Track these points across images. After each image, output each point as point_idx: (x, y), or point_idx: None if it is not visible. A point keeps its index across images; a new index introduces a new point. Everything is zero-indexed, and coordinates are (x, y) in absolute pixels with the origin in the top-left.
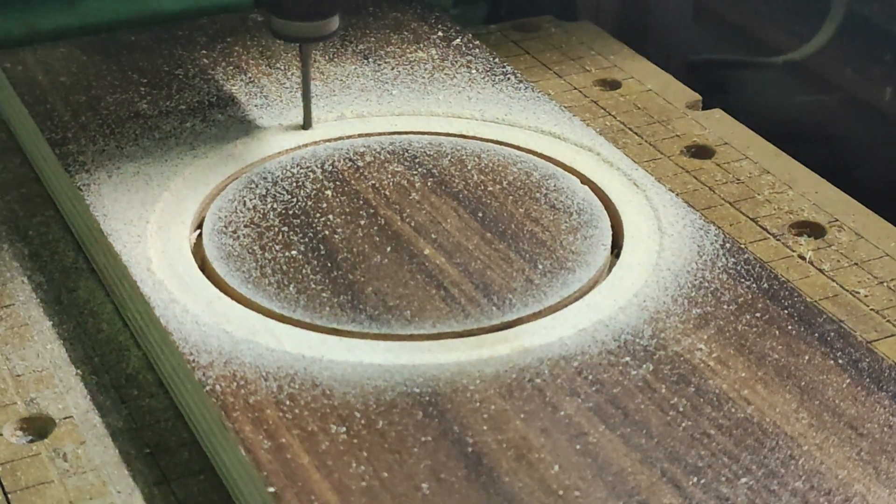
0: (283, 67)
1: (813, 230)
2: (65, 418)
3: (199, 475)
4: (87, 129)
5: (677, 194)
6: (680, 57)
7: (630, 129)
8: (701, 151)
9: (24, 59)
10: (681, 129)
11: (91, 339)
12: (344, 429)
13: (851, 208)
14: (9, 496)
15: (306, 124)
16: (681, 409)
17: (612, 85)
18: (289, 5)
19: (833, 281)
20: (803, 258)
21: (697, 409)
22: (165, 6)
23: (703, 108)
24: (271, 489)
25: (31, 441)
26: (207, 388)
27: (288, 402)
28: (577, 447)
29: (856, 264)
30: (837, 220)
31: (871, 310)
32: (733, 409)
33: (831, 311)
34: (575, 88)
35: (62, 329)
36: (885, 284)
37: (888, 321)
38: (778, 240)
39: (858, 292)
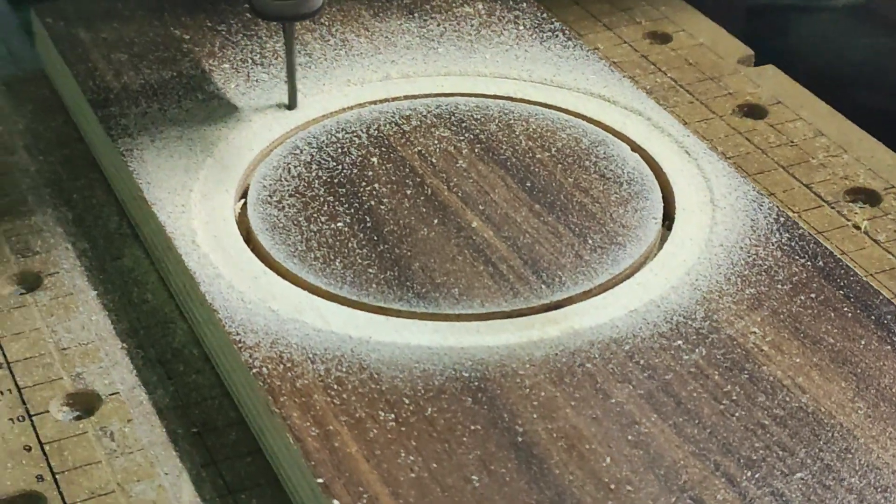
0: (326, 23)
1: (868, 197)
2: (111, 394)
3: (246, 457)
4: (129, 89)
5: (729, 157)
6: (735, 3)
7: (681, 86)
8: (754, 111)
9: (65, 12)
10: (733, 86)
11: (136, 310)
12: (392, 416)
13: None
14: (56, 477)
15: (291, 104)
16: (734, 398)
17: (663, 38)
18: None
19: (889, 253)
20: (858, 228)
21: (751, 397)
22: None
23: (757, 62)
24: (320, 480)
25: (78, 418)
26: (254, 370)
27: (336, 387)
28: (629, 438)
29: None
30: (893, 187)
31: None
32: (787, 398)
33: (888, 285)
34: (625, 42)
35: (107, 299)
36: None
37: None
38: (833, 208)
39: None
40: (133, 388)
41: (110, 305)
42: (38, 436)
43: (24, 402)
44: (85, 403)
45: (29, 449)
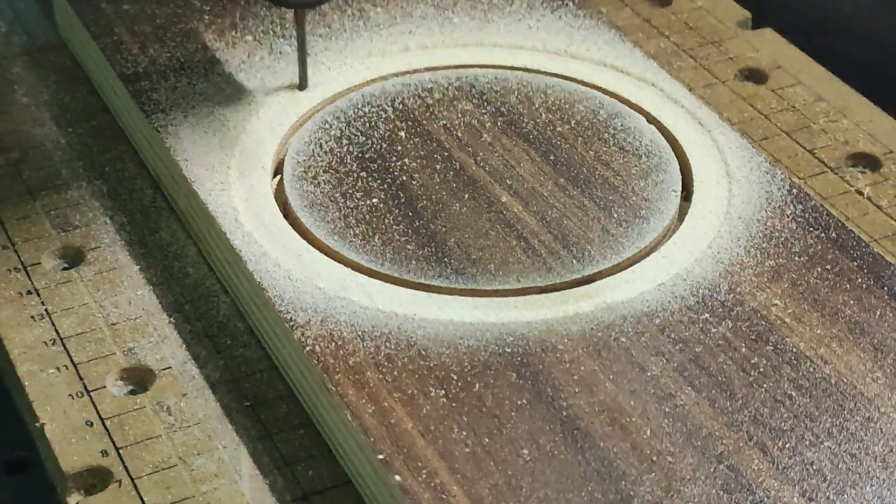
0: None
1: (869, 162)
2: (164, 369)
3: (298, 429)
4: (156, 63)
5: (735, 124)
6: None
7: (684, 50)
8: (755, 75)
9: None
10: (733, 50)
11: (179, 284)
12: (443, 391)
13: None
14: (120, 451)
15: (302, 86)
16: (761, 370)
17: (663, 1)
18: None
19: (892, 219)
20: (861, 193)
21: (777, 368)
22: None
23: (754, 25)
24: (380, 456)
25: (132, 392)
26: (308, 349)
27: (387, 364)
28: (666, 410)
29: None
30: (892, 152)
31: None
32: (811, 369)
33: (892, 250)
34: (626, 5)
35: (150, 274)
36: None
37: None
38: (836, 173)
39: None
40: (184, 363)
41: (154, 280)
42: (98, 411)
43: (80, 378)
44: (139, 378)
45: (91, 424)
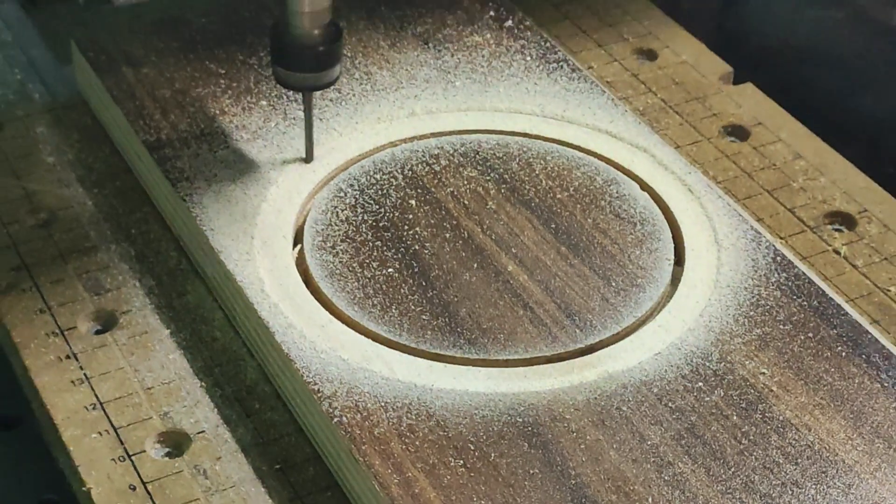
0: (349, 54)
1: (844, 220)
2: (198, 433)
3: (326, 491)
4: (177, 129)
5: (719, 182)
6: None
7: (670, 106)
8: (737, 132)
9: (103, 44)
10: (717, 106)
11: (207, 348)
12: (461, 461)
13: (878, 197)
14: None
15: (308, 160)
16: (751, 438)
17: (650, 55)
18: (291, 57)
19: (867, 278)
20: (838, 253)
21: (766, 436)
22: None
23: (735, 80)
24: None
25: (168, 454)
26: (335, 419)
27: (409, 434)
28: (666, 478)
29: (885, 259)
30: (867, 211)
31: None
32: (797, 437)
33: (867, 310)
34: (615, 60)
35: (179, 338)
36: None
37: None
38: (814, 232)
39: (890, 290)
40: (217, 427)
41: (183, 344)
42: (139, 475)
43: (122, 443)
44: (175, 442)
45: (134, 488)
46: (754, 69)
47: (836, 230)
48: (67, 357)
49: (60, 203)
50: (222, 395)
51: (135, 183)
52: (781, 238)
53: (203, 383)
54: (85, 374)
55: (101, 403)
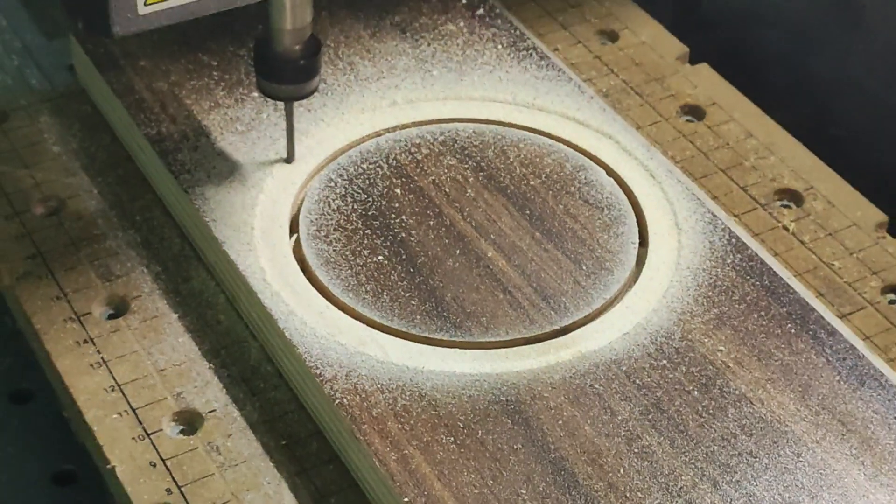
0: (332, 45)
1: (793, 197)
2: (210, 412)
3: (328, 464)
4: (176, 122)
5: (678, 162)
6: None
7: (631, 87)
8: (694, 111)
9: (101, 39)
10: (674, 87)
11: (213, 331)
12: (452, 438)
13: (823, 174)
14: (182, 489)
15: (289, 160)
16: (711, 411)
17: (611, 36)
18: (274, 70)
19: (813, 253)
20: (787, 229)
21: (723, 409)
22: None
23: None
24: (406, 500)
25: (183, 432)
26: (337, 401)
27: (404, 414)
28: (635, 450)
29: (830, 234)
30: (813, 188)
31: (845, 282)
32: (751, 410)
33: (814, 284)
34: (579, 42)
35: (187, 321)
36: (854, 256)
37: (859, 294)
38: (765, 210)
39: (833, 264)
40: (226, 406)
41: (191, 327)
42: (158, 452)
43: (140, 422)
44: (189, 420)
45: (154, 465)
46: (706, 36)
47: (785, 206)
48: (85, 342)
49: (68, 191)
50: (229, 375)
51: (136, 171)
52: (735, 216)
53: (211, 365)
54: (102, 358)
55: (118, 385)
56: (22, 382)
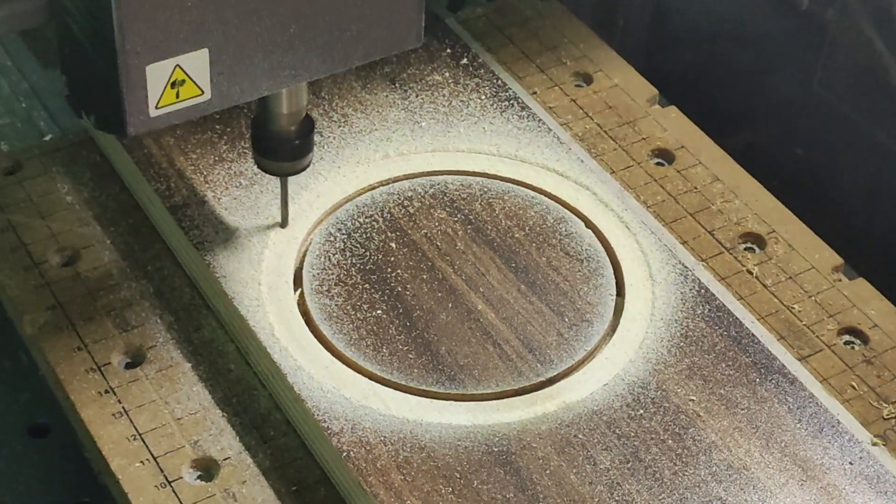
0: (326, 97)
1: (756, 240)
2: (225, 459)
3: None
4: (184, 176)
5: (649, 207)
6: None
7: (605, 131)
8: (664, 154)
9: None
10: (645, 130)
11: (225, 379)
12: (450, 489)
13: (784, 217)
14: None
15: (283, 224)
16: (684, 459)
17: (586, 79)
18: (270, 149)
19: (775, 297)
20: (751, 273)
21: (696, 457)
22: None
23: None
24: None
25: (201, 478)
26: (344, 454)
27: (406, 466)
28: (616, 498)
29: (790, 278)
30: (774, 231)
31: (804, 325)
32: (720, 458)
33: (775, 326)
34: (556, 85)
35: (200, 371)
36: (812, 298)
37: (817, 336)
38: (731, 254)
39: (794, 307)
40: (240, 453)
41: (204, 376)
42: (180, 500)
43: (161, 470)
44: (206, 467)
45: None
46: (672, 54)
47: (749, 250)
48: (106, 392)
49: (82, 242)
50: (241, 423)
51: (145, 219)
52: (703, 260)
53: (224, 413)
54: (123, 408)
55: (140, 434)
56: (39, 416)
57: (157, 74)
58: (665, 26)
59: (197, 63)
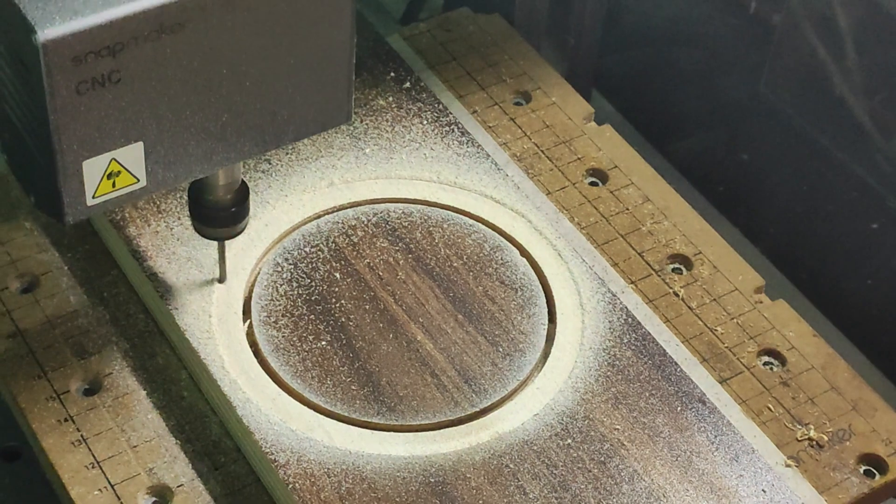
0: None
1: (683, 262)
2: (178, 486)
3: None
4: (137, 206)
5: (583, 228)
6: None
7: (542, 151)
8: (598, 174)
9: None
10: (581, 149)
11: (177, 406)
12: None
13: (710, 238)
14: None
15: (221, 280)
16: (608, 488)
17: (525, 97)
18: (207, 217)
19: (699, 319)
20: (677, 295)
21: (619, 485)
22: None
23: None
24: None
25: None
26: (290, 485)
27: (348, 497)
28: None
29: (714, 300)
30: (701, 252)
31: (726, 347)
32: (642, 486)
33: (698, 349)
34: (496, 104)
35: (154, 398)
36: (734, 320)
37: (738, 358)
38: (659, 276)
39: (717, 330)
40: (192, 480)
41: (158, 403)
42: None
43: (118, 498)
44: (161, 494)
45: None
46: (622, 55)
47: (676, 271)
48: (66, 420)
49: (41, 268)
50: (194, 450)
51: (101, 246)
52: (632, 282)
53: (178, 440)
54: (82, 436)
55: (98, 462)
56: (10, 440)
57: (93, 168)
58: (616, 28)
59: (132, 155)
